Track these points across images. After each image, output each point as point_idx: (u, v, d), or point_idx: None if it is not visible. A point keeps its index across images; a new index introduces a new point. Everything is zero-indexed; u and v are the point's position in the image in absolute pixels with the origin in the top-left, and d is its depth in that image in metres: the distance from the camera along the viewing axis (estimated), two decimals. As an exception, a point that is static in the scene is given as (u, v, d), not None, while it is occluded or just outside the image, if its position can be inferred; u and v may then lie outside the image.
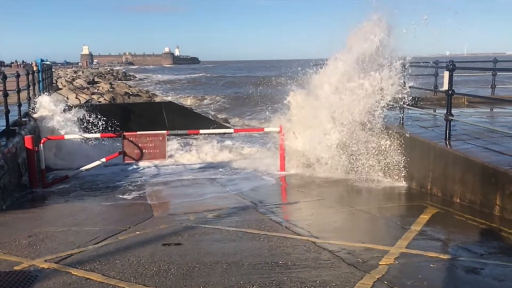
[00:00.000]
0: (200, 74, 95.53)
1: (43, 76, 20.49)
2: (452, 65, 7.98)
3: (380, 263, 4.76)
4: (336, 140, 9.95)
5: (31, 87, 14.45)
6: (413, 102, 9.89)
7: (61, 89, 30.81)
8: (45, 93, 17.05)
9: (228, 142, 15.89)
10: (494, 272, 4.57)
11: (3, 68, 55.68)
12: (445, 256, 4.95)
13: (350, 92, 10.01)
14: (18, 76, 11.67)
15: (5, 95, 9.91)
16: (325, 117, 10.36)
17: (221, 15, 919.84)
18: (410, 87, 9.51)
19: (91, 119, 14.77)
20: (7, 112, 9.88)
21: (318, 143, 10.15)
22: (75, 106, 16.02)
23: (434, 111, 10.99)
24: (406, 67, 9.59)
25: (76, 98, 26.65)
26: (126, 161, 11.01)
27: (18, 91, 11.48)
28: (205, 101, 37.36)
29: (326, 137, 10.09)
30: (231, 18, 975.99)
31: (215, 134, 16.21)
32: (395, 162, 8.83)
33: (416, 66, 10.39)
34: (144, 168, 12.12)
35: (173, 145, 14.97)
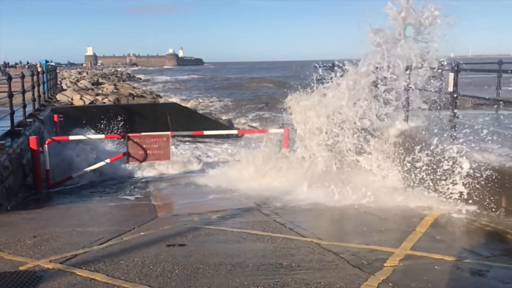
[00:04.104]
0: (203, 76, 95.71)
1: (48, 77, 20.60)
2: (457, 67, 7.94)
3: (385, 265, 4.75)
4: None
5: (36, 88, 14.50)
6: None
7: (65, 90, 30.93)
8: None
9: (231, 143, 15.89)
10: (499, 274, 4.56)
11: (8, 69, 55.90)
12: (450, 258, 4.93)
13: None
14: (23, 77, 11.71)
15: (10, 96, 9.95)
16: None
17: (225, 16, 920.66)
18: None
19: None
20: (12, 113, 9.91)
21: None
22: None
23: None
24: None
25: (81, 99, 26.73)
26: (130, 162, 11.05)
27: (23, 92, 11.53)
28: (209, 102, 37.41)
29: None
30: (235, 19, 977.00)
31: (219, 135, 16.27)
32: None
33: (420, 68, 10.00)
34: (147, 169, 12.13)
35: (177, 147, 15.00)
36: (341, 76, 9.29)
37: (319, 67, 10.09)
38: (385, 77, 8.84)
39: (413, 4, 8.52)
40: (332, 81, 9.48)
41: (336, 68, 9.53)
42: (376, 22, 8.88)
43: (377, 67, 8.94)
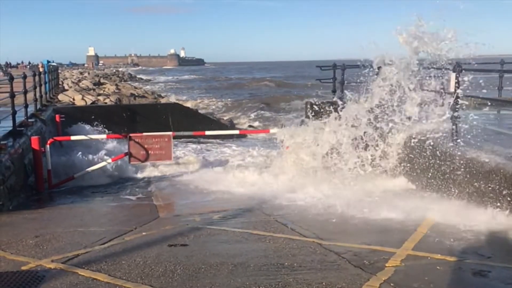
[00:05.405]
0: (205, 76, 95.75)
1: (50, 77, 20.61)
2: (458, 67, 7.93)
3: (387, 265, 4.75)
4: None
5: (37, 88, 14.52)
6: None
7: (67, 90, 30.96)
8: None
9: (232, 143, 15.90)
10: (502, 275, 4.56)
11: (9, 69, 55.99)
12: (452, 259, 4.93)
13: None
14: (25, 77, 11.73)
15: (12, 96, 9.96)
16: None
17: (227, 16, 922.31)
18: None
19: None
20: (14, 113, 9.92)
21: None
22: None
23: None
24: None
25: (82, 99, 26.75)
26: (132, 163, 11.05)
27: (25, 92, 11.54)
28: (210, 102, 37.39)
29: None
30: (236, 19, 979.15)
31: (221, 135, 16.26)
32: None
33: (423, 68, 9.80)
34: (149, 169, 12.13)
35: (179, 147, 14.99)
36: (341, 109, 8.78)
37: (314, 104, 9.63)
38: (390, 119, 8.30)
39: (426, 29, 7.93)
40: (329, 116, 9.07)
41: (336, 99, 9.09)
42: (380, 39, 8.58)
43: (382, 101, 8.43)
